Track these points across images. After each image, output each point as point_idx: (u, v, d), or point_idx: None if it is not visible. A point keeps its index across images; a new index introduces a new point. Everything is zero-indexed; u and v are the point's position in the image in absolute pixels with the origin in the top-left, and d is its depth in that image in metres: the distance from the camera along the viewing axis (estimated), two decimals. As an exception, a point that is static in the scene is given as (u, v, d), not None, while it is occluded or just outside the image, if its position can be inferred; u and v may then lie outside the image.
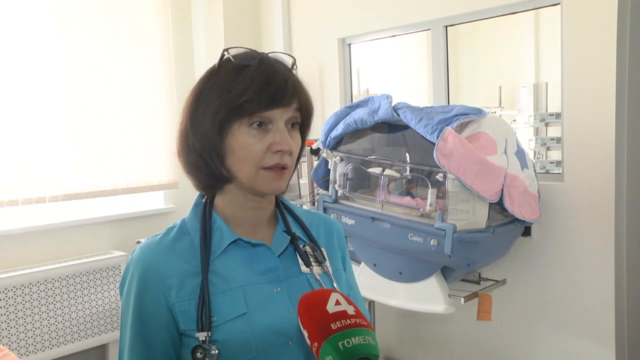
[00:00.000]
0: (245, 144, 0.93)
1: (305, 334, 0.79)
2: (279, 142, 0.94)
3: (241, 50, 0.97)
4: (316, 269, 1.02)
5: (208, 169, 0.98)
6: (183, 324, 0.93)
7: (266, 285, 0.98)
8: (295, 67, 1.02)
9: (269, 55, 0.99)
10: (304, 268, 1.01)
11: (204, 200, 1.04)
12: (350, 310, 0.79)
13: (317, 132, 3.13)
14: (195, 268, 0.96)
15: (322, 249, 1.08)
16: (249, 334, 0.92)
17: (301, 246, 1.04)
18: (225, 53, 0.97)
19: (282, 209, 1.08)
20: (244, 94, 0.92)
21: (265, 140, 0.94)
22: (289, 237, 1.04)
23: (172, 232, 1.02)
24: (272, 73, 0.95)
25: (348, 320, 0.77)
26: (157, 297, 0.94)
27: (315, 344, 0.76)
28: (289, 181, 1.02)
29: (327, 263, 1.05)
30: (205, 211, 1.02)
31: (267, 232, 1.05)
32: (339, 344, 0.74)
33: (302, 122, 1.01)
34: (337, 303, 0.80)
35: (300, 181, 2.72)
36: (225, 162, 0.96)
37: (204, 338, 0.90)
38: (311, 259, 1.03)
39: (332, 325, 0.76)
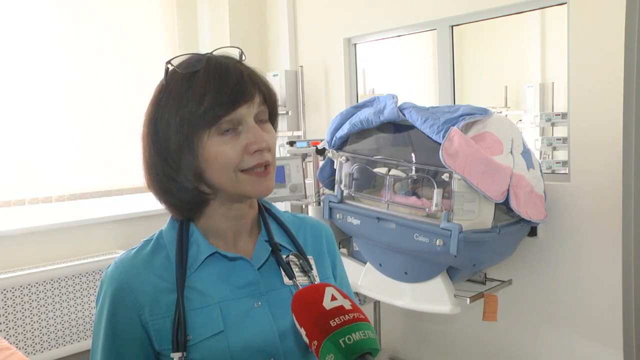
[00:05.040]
0: (220, 152, 0.87)
1: (303, 332, 0.77)
2: (255, 141, 0.88)
3: (184, 58, 0.91)
4: (301, 280, 0.97)
5: (186, 193, 0.91)
6: (158, 344, 0.90)
7: (246, 300, 0.93)
8: (244, 58, 0.93)
9: (214, 53, 0.92)
10: (286, 280, 0.96)
11: None
12: (347, 305, 0.77)
13: (322, 132, 3.13)
14: (170, 284, 0.91)
15: (309, 257, 1.02)
16: (226, 353, 0.88)
17: (285, 256, 0.98)
18: (169, 66, 0.90)
19: (265, 216, 1.02)
20: (202, 101, 0.85)
21: (239, 143, 0.88)
22: (270, 248, 0.98)
23: (148, 245, 0.97)
24: (224, 71, 0.88)
25: (346, 315, 0.75)
26: (131, 315, 0.90)
27: (315, 342, 0.75)
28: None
29: (314, 272, 1.00)
30: (182, 223, 0.96)
31: (249, 242, 0.99)
32: (340, 341, 0.72)
33: (270, 113, 0.94)
34: (333, 298, 0.77)
35: (306, 181, 2.72)
36: (204, 178, 0.90)
37: (178, 359, 0.87)
38: (296, 269, 0.98)
39: (331, 322, 0.74)
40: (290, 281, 0.96)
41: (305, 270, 0.98)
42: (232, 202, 0.94)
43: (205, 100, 0.85)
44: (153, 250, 0.96)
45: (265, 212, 1.03)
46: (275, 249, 0.98)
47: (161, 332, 0.89)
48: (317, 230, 1.09)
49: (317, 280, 0.99)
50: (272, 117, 0.95)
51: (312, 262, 1.02)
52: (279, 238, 1.01)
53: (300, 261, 0.99)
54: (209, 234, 0.96)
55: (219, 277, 0.94)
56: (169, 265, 0.93)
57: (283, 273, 0.97)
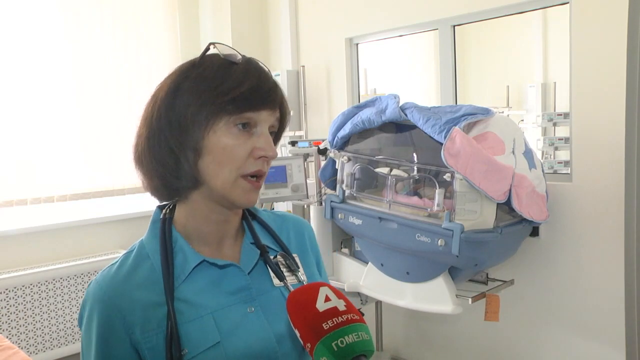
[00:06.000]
0: (228, 146, 0.86)
1: (297, 333, 0.76)
2: (264, 148, 0.87)
3: (226, 48, 0.91)
4: (290, 279, 0.95)
5: (177, 169, 0.88)
6: None
7: (238, 306, 0.91)
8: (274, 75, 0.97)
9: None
10: (276, 282, 0.94)
11: (161, 216, 0.96)
12: (341, 306, 0.75)
13: (324, 131, 3.13)
14: (159, 297, 0.87)
15: (294, 255, 1.01)
16: None
17: (272, 257, 0.97)
18: (212, 47, 0.90)
19: (247, 218, 1.00)
20: (236, 89, 0.85)
21: (248, 144, 0.87)
22: (259, 251, 0.96)
23: (129, 258, 0.92)
24: (264, 74, 0.89)
25: (340, 317, 0.73)
26: (122, 338, 0.86)
27: (309, 345, 0.74)
28: None
29: (302, 270, 0.99)
30: (164, 229, 0.93)
31: (235, 246, 0.97)
32: (332, 344, 0.71)
33: (278, 130, 0.94)
34: (327, 299, 0.76)
35: (308, 181, 2.72)
36: (199, 163, 0.87)
37: None
38: (284, 270, 0.96)
39: (323, 325, 0.72)
40: (281, 282, 0.94)
41: (293, 270, 0.97)
42: (214, 203, 0.91)
43: (239, 89, 0.85)
44: (136, 263, 0.92)
45: (247, 214, 1.01)
46: (264, 251, 0.96)
47: (155, 349, 0.85)
48: (299, 227, 1.08)
49: (304, 279, 0.97)
50: (277, 135, 0.96)
51: (297, 260, 1.01)
52: (264, 239, 0.99)
53: (287, 261, 0.98)
54: (192, 239, 0.93)
55: (209, 285, 0.91)
56: (154, 276, 0.89)
57: (273, 275, 0.95)
